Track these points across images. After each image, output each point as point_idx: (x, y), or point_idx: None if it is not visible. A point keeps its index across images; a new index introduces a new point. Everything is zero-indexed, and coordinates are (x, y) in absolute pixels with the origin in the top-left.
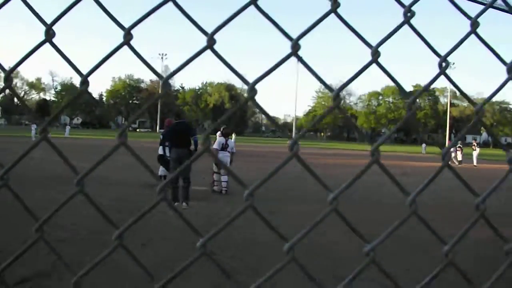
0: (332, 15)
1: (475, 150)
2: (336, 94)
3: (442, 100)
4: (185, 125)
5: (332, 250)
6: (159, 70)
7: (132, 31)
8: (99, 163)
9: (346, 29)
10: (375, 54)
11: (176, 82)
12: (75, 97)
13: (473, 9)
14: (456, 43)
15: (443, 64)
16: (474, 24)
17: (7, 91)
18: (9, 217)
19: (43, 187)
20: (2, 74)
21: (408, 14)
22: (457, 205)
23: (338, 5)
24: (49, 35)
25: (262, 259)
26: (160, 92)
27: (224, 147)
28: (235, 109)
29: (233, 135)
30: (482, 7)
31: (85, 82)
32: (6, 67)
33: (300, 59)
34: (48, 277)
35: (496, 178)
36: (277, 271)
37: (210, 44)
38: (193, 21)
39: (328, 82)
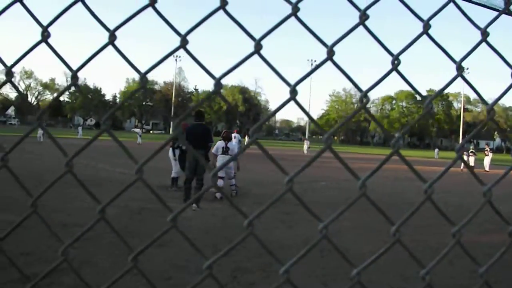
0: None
1: (487, 155)
2: (364, 95)
3: (456, 105)
4: (204, 128)
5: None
6: (172, 71)
7: (144, 33)
8: (153, 155)
9: (364, 37)
10: (396, 61)
11: (190, 84)
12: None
13: (484, 16)
14: (469, 50)
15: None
16: (485, 33)
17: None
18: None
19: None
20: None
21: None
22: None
23: (367, 17)
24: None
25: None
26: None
27: (225, 151)
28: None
29: (246, 138)
30: (495, 13)
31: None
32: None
33: (335, 63)
34: (61, 274)
35: (506, 182)
36: (310, 249)
37: (258, 48)
38: (241, 27)
39: (344, 86)
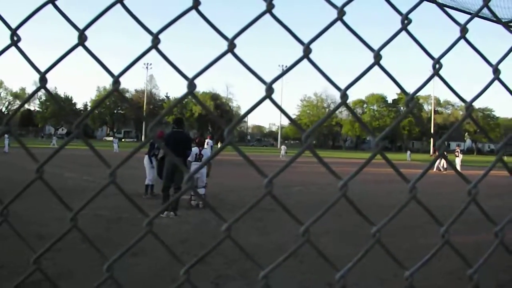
0: (338, 22)
1: (458, 156)
2: (343, 93)
3: (426, 107)
4: (185, 135)
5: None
6: (143, 79)
7: (116, 39)
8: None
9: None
10: (377, 57)
11: (161, 91)
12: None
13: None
14: (447, 48)
15: (437, 66)
16: (463, 30)
17: None
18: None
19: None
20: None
21: (405, 21)
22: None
23: (344, 13)
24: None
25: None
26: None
27: (198, 158)
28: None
29: (218, 144)
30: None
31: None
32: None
33: (311, 61)
34: (66, 279)
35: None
36: (292, 253)
37: (231, 48)
38: (214, 27)
39: (315, 90)
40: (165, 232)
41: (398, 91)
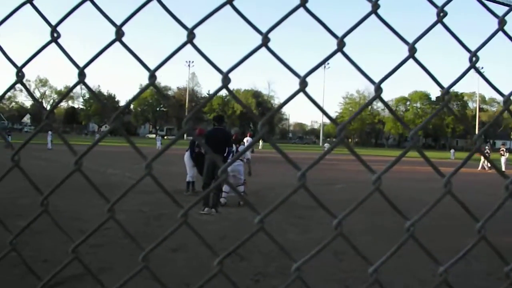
0: (373, 15)
1: (503, 155)
2: (377, 86)
3: (471, 105)
4: (224, 132)
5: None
6: (186, 77)
7: (163, 39)
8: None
9: (381, 28)
10: (412, 50)
11: (203, 89)
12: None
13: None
14: (483, 41)
15: (473, 58)
16: (502, 22)
17: (38, 97)
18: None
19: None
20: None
21: (441, 14)
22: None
23: (378, 6)
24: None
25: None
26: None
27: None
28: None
29: (261, 142)
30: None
31: (81, 74)
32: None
33: (345, 55)
34: (81, 280)
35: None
36: (326, 246)
37: (265, 42)
38: (249, 23)
39: (358, 88)
40: (204, 228)
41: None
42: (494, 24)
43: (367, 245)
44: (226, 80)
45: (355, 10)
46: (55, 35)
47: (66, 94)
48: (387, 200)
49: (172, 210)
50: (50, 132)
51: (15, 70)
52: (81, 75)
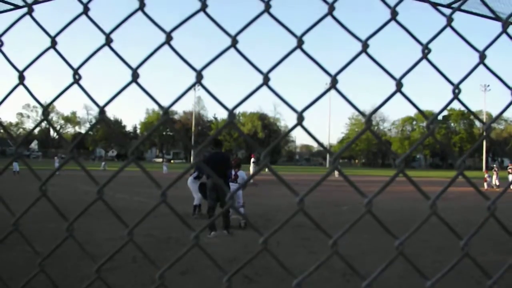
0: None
1: (511, 173)
2: (368, 119)
3: (478, 123)
4: (223, 155)
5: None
6: (191, 101)
7: (166, 64)
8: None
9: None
10: (399, 85)
11: (209, 112)
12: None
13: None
14: (465, 75)
15: (456, 90)
16: (482, 56)
17: (43, 124)
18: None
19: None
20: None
21: (426, 51)
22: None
23: (367, 46)
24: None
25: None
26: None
27: (233, 179)
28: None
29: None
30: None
31: (102, 112)
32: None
33: (336, 90)
34: None
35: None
36: (323, 263)
37: (266, 81)
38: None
39: (361, 107)
40: (213, 251)
41: (448, 107)
42: (475, 57)
43: (375, 264)
44: (231, 116)
45: (349, 51)
46: (77, 77)
47: (90, 129)
48: (377, 221)
49: (180, 234)
50: (56, 158)
51: (41, 109)
52: (102, 113)
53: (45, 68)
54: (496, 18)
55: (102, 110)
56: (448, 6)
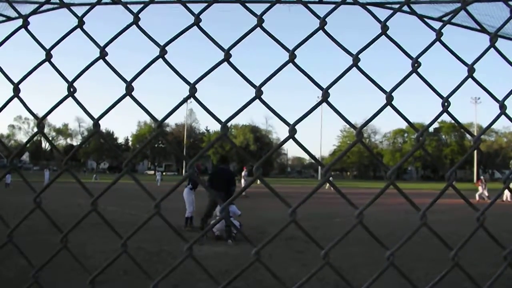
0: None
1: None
2: (358, 131)
3: (469, 136)
4: (229, 172)
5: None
6: (183, 113)
7: (158, 75)
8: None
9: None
10: (389, 98)
11: (201, 125)
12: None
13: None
14: (453, 89)
15: (446, 104)
16: (471, 70)
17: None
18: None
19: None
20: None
21: (416, 65)
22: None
23: (359, 60)
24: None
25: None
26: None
27: None
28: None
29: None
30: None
31: (96, 125)
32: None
33: (328, 103)
34: None
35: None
36: (314, 274)
37: (259, 94)
38: (243, 76)
39: (352, 119)
40: (206, 263)
41: (439, 119)
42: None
43: (366, 277)
44: (225, 129)
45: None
46: (72, 90)
47: (84, 141)
48: (368, 232)
49: (171, 247)
50: (46, 170)
51: (34, 121)
52: (96, 126)
53: (36, 78)
54: (485, 32)
55: (96, 123)
56: (439, 19)
